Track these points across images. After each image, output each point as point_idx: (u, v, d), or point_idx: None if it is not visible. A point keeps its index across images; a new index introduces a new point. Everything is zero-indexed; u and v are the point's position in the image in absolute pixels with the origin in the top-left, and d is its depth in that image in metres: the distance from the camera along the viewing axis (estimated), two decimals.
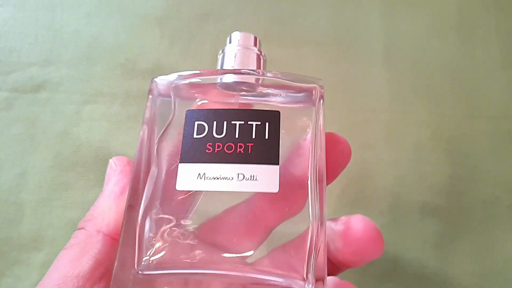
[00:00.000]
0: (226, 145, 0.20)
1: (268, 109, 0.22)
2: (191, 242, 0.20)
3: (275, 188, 0.20)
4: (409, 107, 0.39)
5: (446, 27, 0.41)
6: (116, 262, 0.19)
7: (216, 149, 0.20)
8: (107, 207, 0.22)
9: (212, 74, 0.23)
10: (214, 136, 0.20)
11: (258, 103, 0.23)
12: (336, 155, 0.23)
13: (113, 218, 0.22)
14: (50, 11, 0.37)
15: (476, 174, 0.39)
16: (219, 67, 0.25)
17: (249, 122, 0.21)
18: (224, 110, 0.21)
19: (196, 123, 0.21)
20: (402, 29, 0.40)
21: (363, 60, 0.39)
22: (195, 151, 0.20)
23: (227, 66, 0.24)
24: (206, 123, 0.21)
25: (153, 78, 0.23)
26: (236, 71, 0.23)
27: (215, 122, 0.21)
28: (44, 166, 0.36)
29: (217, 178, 0.20)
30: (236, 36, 0.25)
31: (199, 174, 0.20)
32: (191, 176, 0.20)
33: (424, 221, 0.38)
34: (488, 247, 0.38)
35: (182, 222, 0.20)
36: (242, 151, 0.20)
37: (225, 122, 0.21)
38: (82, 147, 0.36)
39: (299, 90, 0.23)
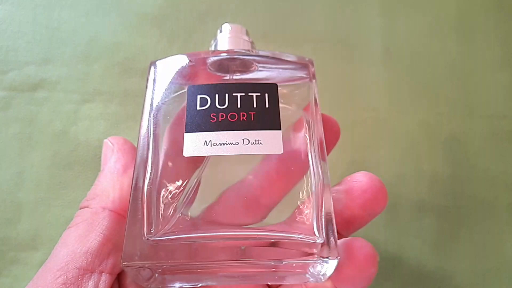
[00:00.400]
0: (229, 114, 0.21)
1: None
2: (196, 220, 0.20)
3: (279, 150, 0.21)
4: (408, 106, 0.39)
5: (445, 27, 0.41)
6: (126, 231, 0.19)
7: (220, 118, 0.21)
8: (111, 184, 0.22)
9: (205, 55, 0.24)
10: (217, 107, 0.21)
11: (254, 81, 0.23)
12: (326, 133, 0.23)
13: (118, 194, 0.21)
14: (47, 9, 0.37)
15: (475, 173, 0.39)
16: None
17: (249, 94, 0.22)
18: (225, 84, 0.22)
19: (199, 96, 0.21)
20: (401, 29, 0.40)
21: (362, 60, 0.39)
22: (199, 121, 0.21)
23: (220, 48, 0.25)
24: (208, 96, 0.21)
25: (152, 62, 0.24)
26: (230, 51, 0.24)
27: (216, 95, 0.21)
28: (42, 165, 0.36)
29: (223, 144, 0.20)
30: (227, 27, 0.26)
31: (205, 141, 0.20)
32: (197, 144, 0.20)
33: (422, 220, 0.38)
34: (487, 246, 0.38)
35: (184, 209, 0.20)
36: (245, 119, 0.21)
37: (226, 94, 0.21)
38: (80, 146, 0.36)
39: (294, 64, 0.24)
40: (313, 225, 0.20)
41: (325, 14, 0.40)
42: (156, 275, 0.20)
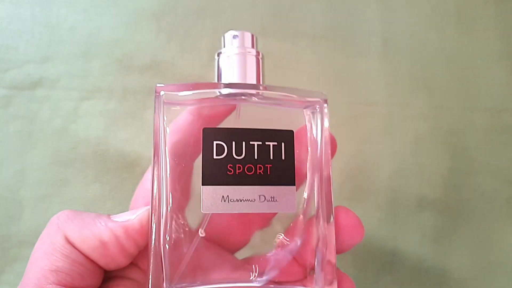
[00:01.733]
0: (246, 167, 0.21)
1: (282, 128, 0.22)
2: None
3: (293, 209, 0.21)
4: (407, 100, 0.39)
5: (444, 19, 0.40)
6: (150, 280, 0.20)
7: (237, 171, 0.21)
8: (95, 227, 0.21)
9: (212, 88, 0.23)
10: (234, 157, 0.21)
11: (257, 104, 0.23)
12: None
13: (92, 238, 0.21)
14: (46, 7, 0.37)
15: (474, 167, 0.39)
16: (216, 73, 0.24)
17: (266, 143, 0.22)
18: (241, 130, 0.22)
19: (215, 143, 0.21)
20: (400, 22, 0.40)
21: (360, 54, 0.39)
22: (217, 173, 0.21)
23: (225, 75, 0.24)
24: (225, 143, 0.21)
25: (157, 87, 0.22)
26: (238, 85, 0.23)
27: (233, 143, 0.21)
28: (42, 163, 0.36)
29: (240, 200, 0.21)
30: (230, 38, 0.24)
31: (223, 196, 0.21)
32: (215, 199, 0.21)
33: (422, 214, 0.38)
34: (487, 240, 0.38)
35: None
36: (262, 173, 0.21)
37: (243, 143, 0.21)
38: (80, 144, 0.36)
39: (301, 104, 0.24)
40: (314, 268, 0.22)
41: (323, 7, 0.40)
42: None
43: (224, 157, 0.21)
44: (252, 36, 0.24)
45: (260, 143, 0.22)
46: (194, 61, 0.38)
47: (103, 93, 0.37)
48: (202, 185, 0.21)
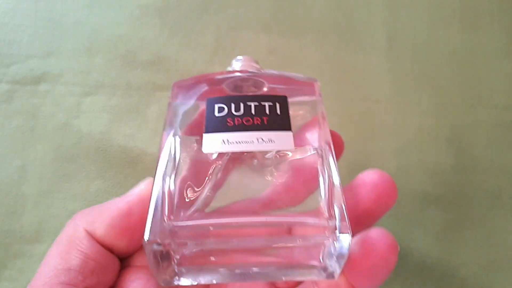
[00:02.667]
0: (244, 119, 0.23)
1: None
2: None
3: (291, 147, 0.22)
4: (412, 96, 0.39)
5: (448, 16, 0.40)
6: (149, 214, 0.20)
7: (236, 122, 0.22)
8: (110, 210, 0.22)
9: (220, 76, 0.26)
10: (233, 113, 0.23)
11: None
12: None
13: (108, 222, 0.21)
14: (49, 2, 0.37)
15: (479, 164, 0.39)
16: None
17: (262, 103, 0.23)
18: (240, 96, 0.24)
19: (216, 105, 0.23)
20: (405, 18, 0.40)
21: (365, 50, 0.39)
22: (217, 124, 0.22)
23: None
24: (225, 105, 0.23)
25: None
26: (243, 71, 0.26)
27: (233, 104, 0.23)
28: (45, 158, 0.36)
29: (240, 142, 0.22)
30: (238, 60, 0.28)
31: (223, 140, 0.22)
32: (216, 142, 0.22)
33: (426, 211, 0.38)
34: (491, 237, 0.38)
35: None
36: (259, 123, 0.23)
37: (241, 103, 0.23)
38: (83, 139, 0.36)
39: (302, 84, 0.26)
40: (324, 210, 0.21)
41: (327, 3, 0.40)
42: (174, 263, 0.20)
43: (224, 114, 0.23)
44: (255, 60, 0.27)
45: (257, 103, 0.23)
46: (197, 57, 0.38)
47: (106, 89, 0.37)
48: (204, 133, 0.22)
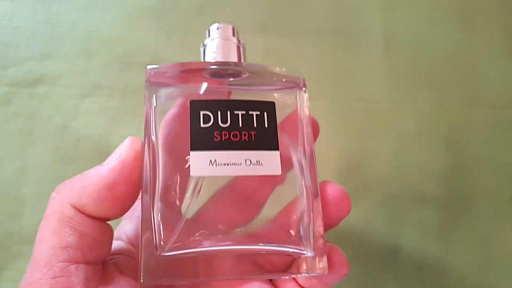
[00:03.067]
0: (232, 134, 0.22)
1: (263, 99, 0.24)
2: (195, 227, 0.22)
3: (278, 171, 0.22)
4: (409, 96, 0.39)
5: (446, 15, 0.40)
6: (141, 248, 0.20)
7: (223, 137, 0.22)
8: (93, 183, 0.21)
9: (196, 66, 0.24)
10: (220, 125, 0.22)
11: (247, 91, 0.25)
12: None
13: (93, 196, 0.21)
14: (47, 4, 0.37)
15: (477, 164, 0.39)
16: (202, 60, 0.26)
17: (249, 112, 0.23)
18: (226, 101, 0.23)
19: (202, 112, 0.22)
20: (402, 18, 0.40)
21: (362, 50, 0.39)
22: (204, 139, 0.22)
23: (209, 58, 0.25)
24: (211, 113, 0.22)
25: (147, 67, 0.23)
26: (219, 63, 0.25)
27: (219, 112, 0.22)
28: (44, 160, 0.36)
29: (227, 164, 0.22)
30: (214, 28, 0.26)
31: (210, 160, 0.22)
32: (203, 163, 0.21)
33: (424, 211, 0.38)
34: (490, 237, 0.38)
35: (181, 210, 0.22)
36: (247, 139, 0.22)
37: (228, 112, 0.22)
38: (81, 141, 0.36)
39: (284, 76, 0.25)
40: (301, 235, 0.23)
41: (324, 4, 0.40)
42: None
43: (210, 125, 0.22)
44: (233, 27, 0.26)
45: (244, 112, 0.23)
46: (194, 58, 0.37)
47: (104, 90, 0.37)
48: (191, 150, 0.22)
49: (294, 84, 0.25)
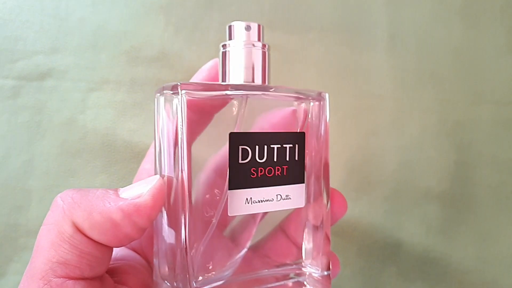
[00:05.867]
0: (267, 169, 0.23)
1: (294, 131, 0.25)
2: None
3: (302, 204, 0.24)
4: (414, 93, 0.39)
5: (450, 13, 0.41)
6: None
7: (259, 174, 0.23)
8: (101, 204, 0.20)
9: (221, 89, 0.24)
10: (257, 161, 0.23)
11: (264, 98, 0.25)
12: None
13: (98, 218, 0.20)
14: None
15: (481, 160, 0.39)
16: (221, 69, 0.25)
17: (283, 145, 0.24)
18: (263, 134, 0.24)
19: (240, 147, 0.23)
20: (407, 15, 0.40)
21: (367, 47, 0.39)
22: (241, 177, 0.23)
23: (233, 75, 0.25)
24: (249, 148, 0.23)
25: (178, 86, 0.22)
26: (245, 87, 0.24)
27: (257, 147, 0.23)
28: (51, 153, 0.36)
29: (261, 201, 0.23)
30: (239, 29, 0.25)
31: (247, 199, 0.23)
32: (240, 202, 0.23)
33: (428, 206, 0.38)
34: (493, 232, 0.38)
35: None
36: (279, 174, 0.24)
37: (265, 147, 0.23)
38: (88, 134, 0.36)
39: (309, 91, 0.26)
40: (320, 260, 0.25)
41: (330, 1, 0.40)
42: None
43: (248, 161, 0.23)
44: (259, 27, 0.25)
45: (279, 146, 0.24)
46: (201, 53, 0.38)
47: (111, 85, 0.37)
48: (229, 189, 0.22)
49: (310, 95, 0.25)
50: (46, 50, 0.37)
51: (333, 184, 0.26)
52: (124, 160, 0.37)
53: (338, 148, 0.38)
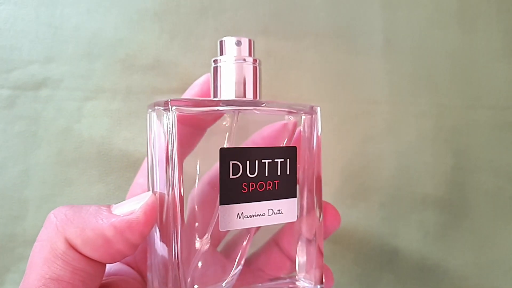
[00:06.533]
0: (258, 184, 0.23)
1: (286, 145, 0.25)
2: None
3: (293, 218, 0.24)
4: (410, 98, 0.39)
5: (446, 17, 0.40)
6: None
7: (250, 189, 0.23)
8: (93, 221, 0.21)
9: (212, 105, 0.24)
10: (248, 176, 0.23)
11: (254, 113, 0.25)
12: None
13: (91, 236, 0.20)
14: (50, 8, 0.37)
15: (477, 165, 0.39)
16: (212, 84, 0.25)
17: (275, 160, 0.24)
18: (254, 149, 0.24)
19: (231, 163, 0.23)
20: (402, 20, 0.40)
21: (363, 52, 0.39)
22: (232, 192, 0.23)
23: (224, 90, 0.25)
24: (240, 163, 0.23)
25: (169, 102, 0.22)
26: (236, 102, 0.24)
27: (248, 162, 0.23)
28: (47, 163, 0.36)
29: (253, 216, 0.23)
30: (230, 44, 0.25)
31: (238, 214, 0.23)
32: (231, 217, 0.23)
33: (425, 212, 0.38)
34: (490, 238, 0.38)
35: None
36: (271, 188, 0.24)
37: (256, 162, 0.23)
38: (84, 143, 0.36)
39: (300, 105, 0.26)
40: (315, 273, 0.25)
41: (325, 6, 0.40)
42: None
43: (239, 177, 0.23)
44: (250, 42, 0.25)
45: (270, 160, 0.24)
46: (196, 60, 0.38)
47: (107, 93, 0.37)
48: (220, 204, 0.22)
49: (301, 109, 0.25)
50: (41, 59, 0.37)
51: (329, 190, 0.26)
52: (120, 169, 0.37)
53: (334, 154, 0.38)
